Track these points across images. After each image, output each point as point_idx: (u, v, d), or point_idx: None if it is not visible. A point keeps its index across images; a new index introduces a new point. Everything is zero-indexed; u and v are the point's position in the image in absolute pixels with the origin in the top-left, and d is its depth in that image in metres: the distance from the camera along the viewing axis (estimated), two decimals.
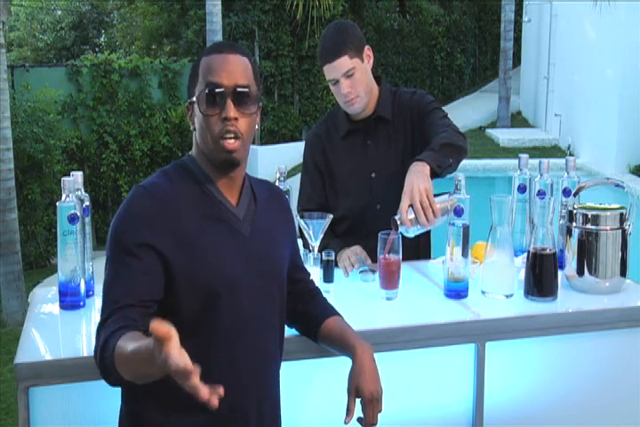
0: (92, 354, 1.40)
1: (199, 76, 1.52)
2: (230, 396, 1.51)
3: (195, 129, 1.55)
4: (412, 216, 2.00)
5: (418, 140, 2.40)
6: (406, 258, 2.12)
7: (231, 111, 1.48)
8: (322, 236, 2.01)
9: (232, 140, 1.49)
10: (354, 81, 2.32)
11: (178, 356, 1.09)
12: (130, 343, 1.24)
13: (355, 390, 1.57)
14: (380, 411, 1.58)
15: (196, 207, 1.51)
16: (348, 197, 2.44)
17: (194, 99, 1.52)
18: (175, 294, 1.46)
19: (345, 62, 2.29)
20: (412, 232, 2.04)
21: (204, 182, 1.54)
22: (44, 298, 2.06)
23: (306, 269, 1.83)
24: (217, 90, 1.48)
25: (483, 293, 2.05)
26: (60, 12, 15.93)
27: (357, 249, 2.30)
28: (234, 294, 1.50)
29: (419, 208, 1.99)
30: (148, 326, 1.35)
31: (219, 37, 9.26)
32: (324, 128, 2.53)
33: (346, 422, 1.55)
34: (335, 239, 2.38)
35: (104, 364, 1.33)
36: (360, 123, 2.45)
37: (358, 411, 1.57)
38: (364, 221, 2.41)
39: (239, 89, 1.49)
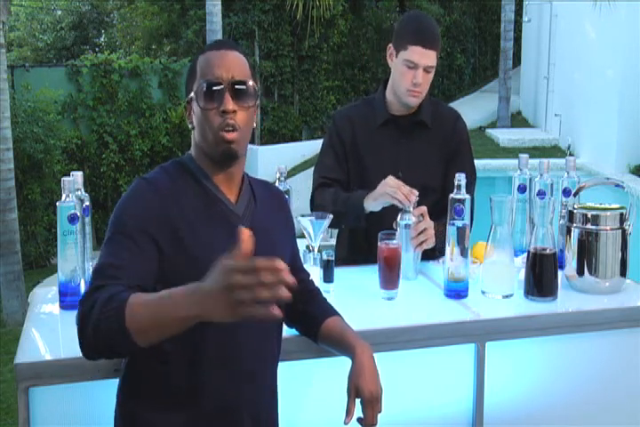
0: None
1: (197, 73, 1.53)
2: (226, 395, 1.51)
3: (193, 127, 1.55)
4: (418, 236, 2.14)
5: (449, 157, 2.44)
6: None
7: (229, 104, 1.49)
8: (322, 236, 2.01)
9: (231, 132, 1.49)
10: (427, 78, 2.33)
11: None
12: (150, 295, 1.23)
13: (354, 391, 1.57)
14: (379, 411, 1.58)
15: (196, 204, 1.51)
16: (372, 189, 2.41)
17: (192, 95, 1.53)
18: None
19: (434, 56, 2.31)
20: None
21: (203, 180, 1.54)
22: (44, 298, 2.05)
23: (305, 270, 1.83)
24: (215, 84, 1.49)
25: (483, 293, 2.05)
26: (60, 12, 15.93)
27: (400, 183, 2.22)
28: None
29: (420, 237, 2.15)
30: None
31: (219, 37, 9.25)
32: (358, 112, 2.48)
33: (346, 423, 1.55)
34: (349, 195, 2.35)
35: (103, 315, 1.26)
36: (399, 119, 2.44)
37: (358, 411, 1.57)
38: (381, 217, 2.37)
39: (236, 82, 1.50)
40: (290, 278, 1.08)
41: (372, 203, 2.25)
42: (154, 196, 1.48)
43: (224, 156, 1.51)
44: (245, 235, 1.11)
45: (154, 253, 1.44)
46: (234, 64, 1.52)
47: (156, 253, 1.44)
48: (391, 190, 2.17)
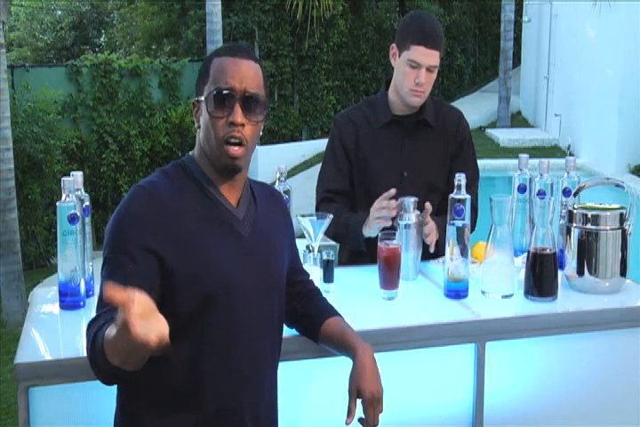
0: None
1: (210, 76, 1.51)
2: (227, 397, 1.51)
3: (199, 127, 1.54)
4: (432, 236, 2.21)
5: (453, 154, 2.45)
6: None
7: (239, 116, 1.47)
8: (321, 236, 2.01)
9: (236, 147, 1.48)
10: (430, 78, 2.33)
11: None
12: (110, 332, 1.26)
13: (356, 391, 1.57)
14: (381, 411, 1.58)
15: (196, 208, 1.51)
16: (377, 190, 2.39)
17: (202, 98, 1.52)
18: (173, 294, 1.45)
19: (437, 56, 2.31)
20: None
21: (204, 183, 1.53)
22: (44, 298, 2.05)
23: (305, 271, 1.82)
24: (227, 92, 1.48)
25: (483, 293, 2.05)
26: (60, 12, 15.95)
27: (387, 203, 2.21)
28: (233, 295, 1.49)
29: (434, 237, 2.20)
30: None
31: (219, 37, 9.26)
32: (360, 113, 2.48)
33: (347, 424, 1.55)
34: (355, 214, 2.36)
35: (95, 354, 1.34)
36: (402, 119, 2.44)
37: (359, 411, 1.57)
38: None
39: (249, 95, 1.49)
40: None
41: (369, 230, 2.27)
42: (151, 203, 1.47)
43: (226, 169, 1.51)
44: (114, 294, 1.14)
45: (154, 267, 1.44)
46: (248, 75, 1.50)
47: (157, 265, 1.44)
48: (377, 213, 2.19)
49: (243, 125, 1.48)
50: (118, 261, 1.44)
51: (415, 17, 2.38)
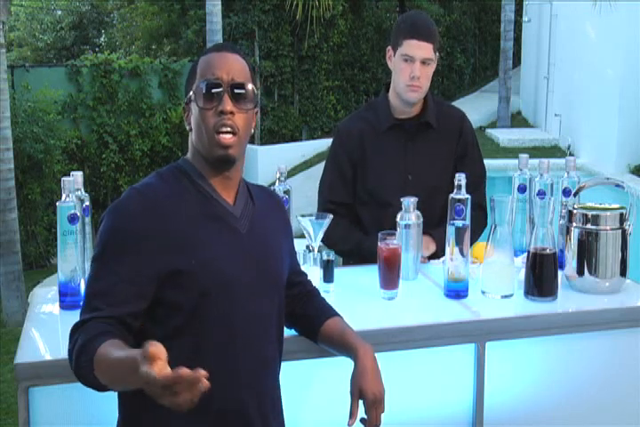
0: None
1: (197, 74, 1.53)
2: (227, 395, 1.51)
3: (191, 129, 1.55)
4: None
5: (458, 155, 2.46)
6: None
7: (228, 105, 1.48)
8: (322, 236, 2.01)
9: (228, 136, 1.48)
10: (426, 71, 2.33)
11: (161, 370, 1.11)
12: (113, 350, 1.25)
13: (358, 392, 1.57)
14: (383, 411, 1.58)
15: (192, 206, 1.50)
16: (382, 194, 2.41)
17: (191, 94, 1.52)
18: (172, 292, 1.45)
19: (430, 49, 2.31)
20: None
21: (199, 182, 1.53)
22: (44, 298, 2.05)
23: (303, 272, 1.82)
24: (214, 83, 1.49)
25: (483, 293, 2.05)
26: (60, 12, 15.96)
27: None
28: (232, 293, 1.49)
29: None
30: (126, 337, 1.36)
31: (219, 37, 9.25)
32: (362, 119, 2.48)
33: (349, 425, 1.54)
34: (367, 238, 2.38)
35: (80, 367, 1.33)
36: (404, 122, 2.44)
37: (361, 412, 1.57)
38: (381, 218, 2.35)
39: (236, 85, 1.50)
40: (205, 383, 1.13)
41: None
42: (145, 202, 1.47)
43: (220, 160, 1.51)
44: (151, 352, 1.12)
45: (147, 270, 1.43)
46: (234, 67, 1.52)
47: (151, 268, 1.43)
48: None
49: (232, 114, 1.48)
50: (108, 265, 1.44)
51: (406, 16, 2.42)
